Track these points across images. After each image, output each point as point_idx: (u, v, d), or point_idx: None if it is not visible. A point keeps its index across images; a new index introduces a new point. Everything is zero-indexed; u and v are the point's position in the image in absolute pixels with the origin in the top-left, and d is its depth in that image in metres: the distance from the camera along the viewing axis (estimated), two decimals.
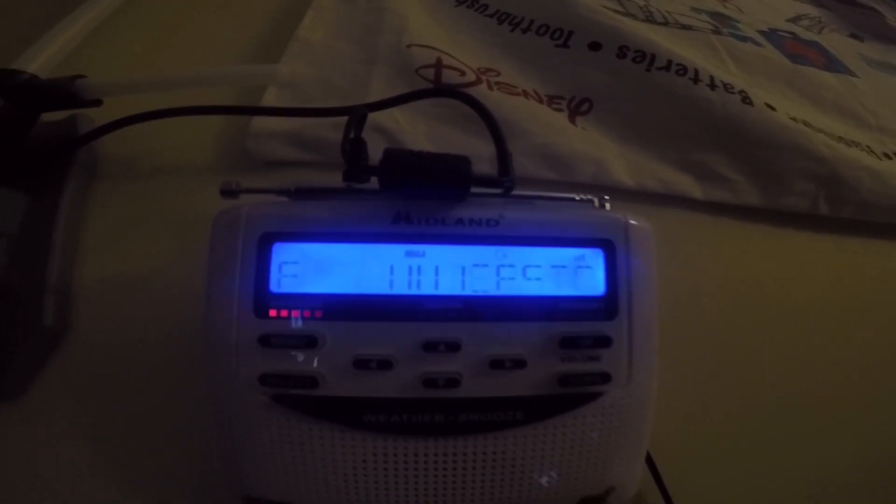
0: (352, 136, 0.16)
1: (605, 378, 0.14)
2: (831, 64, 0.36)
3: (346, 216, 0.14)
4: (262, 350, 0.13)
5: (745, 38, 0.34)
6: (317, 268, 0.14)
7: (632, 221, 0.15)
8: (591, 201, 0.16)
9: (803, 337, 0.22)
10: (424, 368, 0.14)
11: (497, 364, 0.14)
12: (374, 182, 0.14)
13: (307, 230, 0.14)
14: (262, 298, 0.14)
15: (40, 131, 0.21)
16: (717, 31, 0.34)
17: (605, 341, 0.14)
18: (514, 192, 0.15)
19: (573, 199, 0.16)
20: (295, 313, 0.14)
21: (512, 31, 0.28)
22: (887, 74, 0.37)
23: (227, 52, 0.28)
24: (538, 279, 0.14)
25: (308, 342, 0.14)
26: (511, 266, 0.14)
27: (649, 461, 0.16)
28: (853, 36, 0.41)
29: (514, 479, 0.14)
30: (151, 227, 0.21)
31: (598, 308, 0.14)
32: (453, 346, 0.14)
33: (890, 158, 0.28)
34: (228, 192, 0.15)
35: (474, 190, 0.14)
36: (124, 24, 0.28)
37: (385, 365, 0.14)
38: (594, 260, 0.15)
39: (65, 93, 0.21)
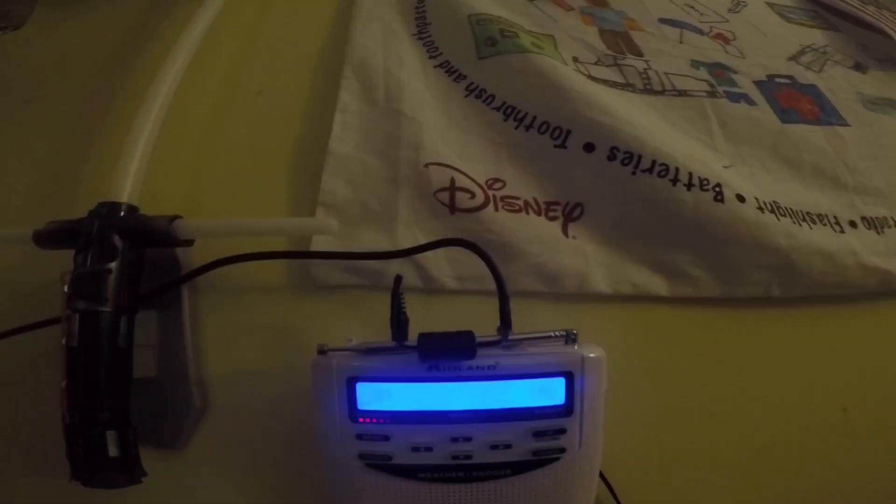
0: (397, 302, 0.26)
1: (562, 451, 0.25)
2: (823, 114, 0.41)
3: (397, 367, 0.24)
4: (357, 440, 0.25)
5: (738, 97, 0.39)
6: (384, 395, 0.25)
7: (588, 355, 0.25)
8: (564, 336, 0.26)
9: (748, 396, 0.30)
10: (452, 449, 0.25)
11: (494, 447, 0.25)
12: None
13: (376, 375, 0.25)
14: (354, 412, 0.25)
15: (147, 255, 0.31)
16: (712, 94, 0.39)
17: (562, 431, 0.25)
18: (509, 337, 0.26)
19: (551, 336, 0.26)
20: (374, 420, 0.25)
21: (516, 128, 0.34)
22: (883, 115, 0.42)
23: (268, 148, 0.35)
24: (522, 396, 0.26)
25: (383, 437, 0.25)
26: (505, 391, 0.26)
27: (604, 479, 0.29)
28: (857, 66, 0.45)
29: None
30: (245, 334, 0.30)
31: (559, 411, 0.25)
32: (468, 439, 0.25)
33: (854, 227, 0.34)
34: (322, 351, 0.25)
35: (480, 339, 0.25)
36: (174, 125, 0.34)
37: (429, 449, 0.25)
38: (559, 384, 0.25)
39: (166, 234, 0.27)
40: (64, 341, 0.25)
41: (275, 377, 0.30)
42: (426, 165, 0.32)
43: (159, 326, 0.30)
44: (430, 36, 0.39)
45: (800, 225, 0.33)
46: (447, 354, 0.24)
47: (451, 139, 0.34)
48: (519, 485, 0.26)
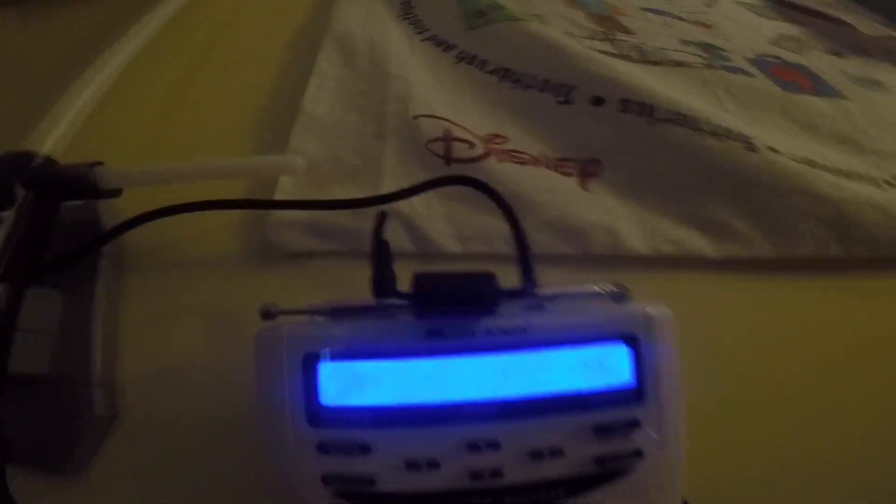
0: (380, 236, 0.17)
1: (637, 454, 0.15)
2: (820, 87, 0.37)
3: (381, 336, 0.15)
4: (320, 455, 0.15)
5: (735, 70, 0.35)
6: (360, 382, 0.15)
7: (652, 313, 0.16)
8: (611, 294, 0.17)
9: (828, 384, 0.22)
10: (470, 464, 0.15)
11: (536, 455, 0.15)
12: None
13: (348, 349, 0.15)
14: (315, 410, 0.15)
15: (62, 217, 0.22)
16: (708, 65, 0.35)
17: (634, 424, 0.15)
18: (537, 293, 0.17)
19: (592, 294, 0.17)
20: (347, 422, 0.15)
21: (513, 88, 0.29)
22: (870, 91, 0.39)
23: (235, 118, 0.28)
24: (568, 376, 0.16)
25: (362, 449, 0.15)
26: (541, 368, 0.16)
27: None
28: (834, 53, 0.43)
29: None
30: (182, 319, 0.21)
31: (626, 395, 0.16)
32: (494, 445, 0.15)
33: (891, 185, 0.29)
34: (267, 315, 0.16)
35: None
36: (130, 90, 0.28)
37: (434, 465, 0.15)
38: (619, 354, 0.16)
39: (84, 182, 0.20)
40: None
41: (214, 378, 0.20)
42: (415, 117, 0.25)
43: (62, 310, 0.20)
44: (415, 15, 0.35)
45: (839, 179, 0.26)
46: (458, 304, 0.14)
47: (442, 98, 0.27)
48: None
